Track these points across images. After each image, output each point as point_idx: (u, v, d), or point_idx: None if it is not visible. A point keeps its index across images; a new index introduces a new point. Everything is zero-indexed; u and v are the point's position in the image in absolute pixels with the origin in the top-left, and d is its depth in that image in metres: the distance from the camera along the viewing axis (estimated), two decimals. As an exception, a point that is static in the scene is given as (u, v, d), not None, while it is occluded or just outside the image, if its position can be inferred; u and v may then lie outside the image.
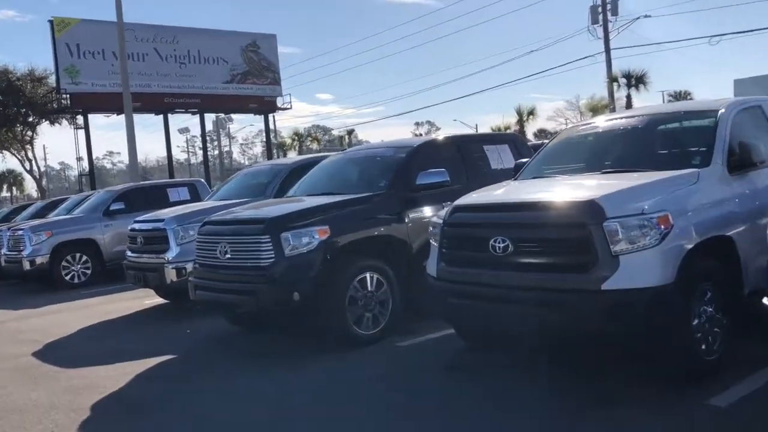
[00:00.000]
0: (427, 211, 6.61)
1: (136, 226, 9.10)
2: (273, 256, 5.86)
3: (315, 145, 54.52)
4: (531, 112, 35.57)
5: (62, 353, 7.16)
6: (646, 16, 38.28)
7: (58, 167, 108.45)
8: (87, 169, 43.80)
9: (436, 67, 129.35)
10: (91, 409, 5.07)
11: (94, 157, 43.04)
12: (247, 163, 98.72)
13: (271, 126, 49.17)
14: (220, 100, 43.06)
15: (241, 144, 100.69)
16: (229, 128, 65.20)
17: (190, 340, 7.28)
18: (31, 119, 44.06)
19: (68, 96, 37.58)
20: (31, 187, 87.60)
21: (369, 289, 6.11)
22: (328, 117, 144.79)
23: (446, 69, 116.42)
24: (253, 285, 5.96)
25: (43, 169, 50.95)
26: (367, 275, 6.10)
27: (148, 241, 8.71)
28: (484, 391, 4.71)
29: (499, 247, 4.50)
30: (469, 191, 6.90)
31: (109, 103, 38.48)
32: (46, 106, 40.98)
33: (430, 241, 5.39)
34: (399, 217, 6.42)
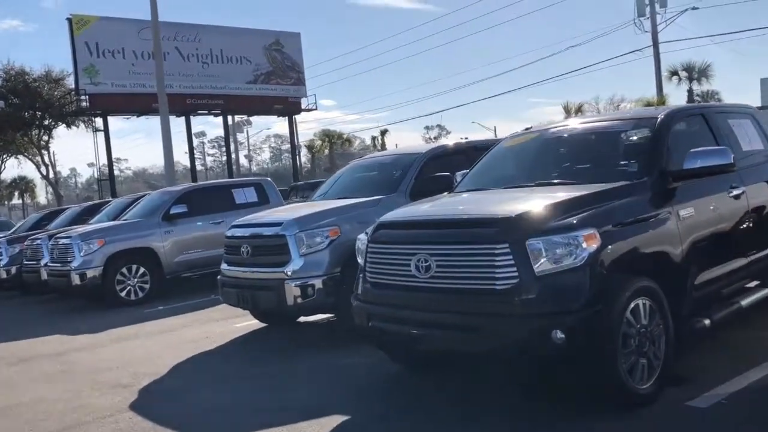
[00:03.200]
0: (700, 206, 4.71)
1: (239, 231, 7.18)
2: (515, 274, 3.94)
3: (325, 150, 52.17)
4: (579, 109, 33.62)
5: (173, 408, 5.24)
6: (693, 8, 35.96)
7: (66, 173, 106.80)
8: (104, 174, 42.05)
9: (441, 74, 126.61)
10: None
11: (101, 164, 41.27)
12: (254, 169, 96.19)
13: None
14: (244, 101, 41.40)
15: (249, 150, 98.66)
16: (247, 131, 63.11)
17: (347, 384, 5.35)
18: (47, 122, 42.36)
19: (87, 97, 35.70)
20: (41, 194, 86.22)
21: (642, 321, 4.19)
22: (331, 123, 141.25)
23: (451, 75, 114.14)
24: (483, 318, 4.04)
25: (60, 174, 49.18)
26: (640, 302, 4.17)
27: (259, 251, 6.79)
28: None
29: None
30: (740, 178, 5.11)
31: (129, 105, 36.87)
32: (64, 108, 39.20)
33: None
34: (667, 216, 4.50)
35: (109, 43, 35.80)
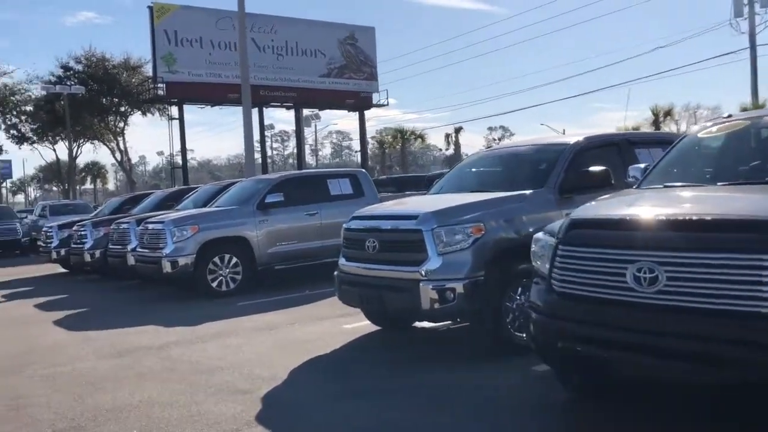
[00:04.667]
0: None
1: (363, 224, 6.43)
2: (787, 294, 3.04)
3: (396, 146, 51.42)
4: (668, 113, 31.90)
5: (307, 426, 4.52)
6: (796, 9, 33.67)
7: (134, 161, 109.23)
8: (176, 162, 42.38)
9: (503, 76, 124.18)
10: None
11: (174, 151, 41.40)
12: (316, 164, 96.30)
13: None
14: (316, 95, 41.02)
15: (310, 145, 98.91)
16: (315, 126, 63.02)
17: (490, 410, 4.53)
18: (123, 109, 43.03)
19: (164, 85, 35.94)
20: (111, 180, 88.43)
21: None
22: (391, 120, 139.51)
23: (513, 78, 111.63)
24: (737, 348, 3.14)
25: (132, 161, 49.94)
26: None
27: (388, 247, 6.02)
28: None
29: None
30: None
31: (205, 94, 37.02)
32: (141, 95, 39.63)
33: None
34: None
35: (187, 32, 36.00)
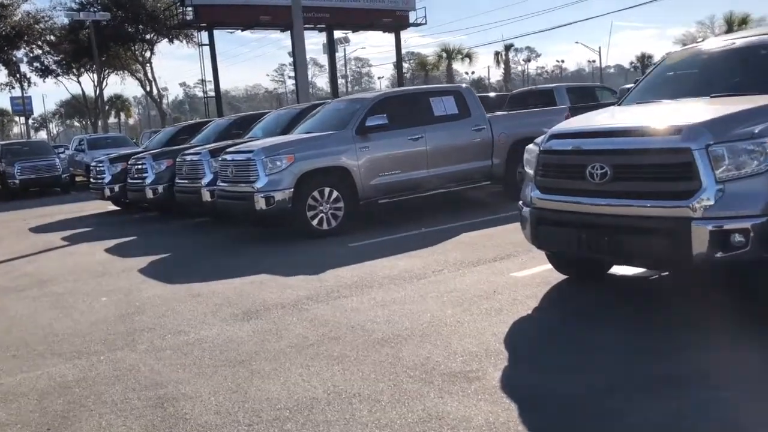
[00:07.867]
0: None
1: (570, 144, 4.79)
2: None
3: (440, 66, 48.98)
4: (744, 20, 29.21)
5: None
6: None
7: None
8: (194, 93, 40.67)
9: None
10: None
11: (189, 84, 39.76)
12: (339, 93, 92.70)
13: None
14: (350, 15, 38.84)
15: (347, 70, 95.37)
16: (344, 50, 60.42)
17: None
18: (149, 37, 41.00)
19: (193, 9, 33.89)
20: (134, 113, 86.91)
21: None
22: (406, 46, 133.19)
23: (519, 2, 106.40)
24: None
25: (158, 92, 48.01)
26: None
27: (629, 174, 4.37)
28: None
29: None
30: None
31: (235, 17, 35.03)
32: (167, 21, 37.49)
33: None
34: None
35: (215, -49, 33.73)
